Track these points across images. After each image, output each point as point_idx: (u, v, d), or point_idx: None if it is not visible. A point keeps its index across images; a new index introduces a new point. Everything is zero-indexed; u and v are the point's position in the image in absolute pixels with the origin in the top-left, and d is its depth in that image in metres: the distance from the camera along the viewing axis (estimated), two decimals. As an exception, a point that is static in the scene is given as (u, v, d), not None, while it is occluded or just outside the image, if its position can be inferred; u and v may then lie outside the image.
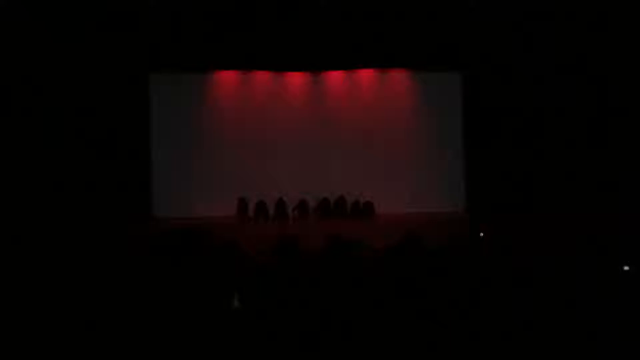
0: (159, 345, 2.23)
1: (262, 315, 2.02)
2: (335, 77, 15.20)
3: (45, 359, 1.93)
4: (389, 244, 3.58)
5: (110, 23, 12.50)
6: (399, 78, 15.34)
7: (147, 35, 13.29)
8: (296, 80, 15.16)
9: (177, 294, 2.60)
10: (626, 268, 3.50)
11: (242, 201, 13.84)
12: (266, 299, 1.78)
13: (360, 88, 15.27)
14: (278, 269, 1.77)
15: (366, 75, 15.24)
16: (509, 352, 2.33)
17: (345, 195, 14.37)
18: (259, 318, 2.01)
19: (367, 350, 2.12)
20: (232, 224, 12.92)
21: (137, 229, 11.81)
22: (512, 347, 2.37)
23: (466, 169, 14.92)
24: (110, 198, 12.82)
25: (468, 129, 14.82)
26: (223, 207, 14.36)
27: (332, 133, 15.07)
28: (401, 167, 15.16)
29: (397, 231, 9.90)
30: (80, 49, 12.35)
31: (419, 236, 3.82)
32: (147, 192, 14.15)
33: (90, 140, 12.75)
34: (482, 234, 6.38)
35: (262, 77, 15.09)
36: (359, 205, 14.27)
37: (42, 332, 2.10)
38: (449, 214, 14.37)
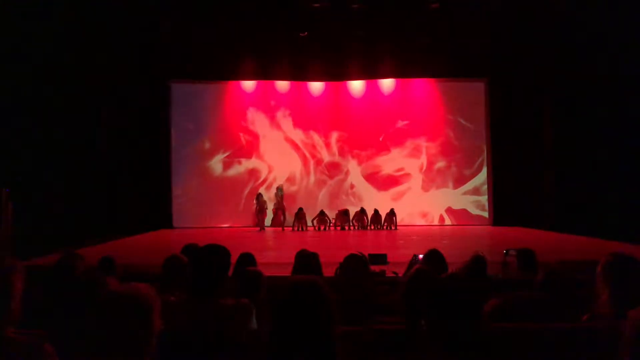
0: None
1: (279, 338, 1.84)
2: (357, 87, 15.08)
3: None
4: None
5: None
6: (423, 87, 15.17)
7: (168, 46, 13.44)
8: (315, 89, 15.07)
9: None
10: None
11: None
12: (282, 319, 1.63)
13: (382, 98, 15.11)
14: (297, 287, 1.64)
15: (389, 85, 15.08)
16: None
17: (365, 207, 14.17)
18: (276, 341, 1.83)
19: None
20: (249, 234, 12.85)
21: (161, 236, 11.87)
22: None
23: (491, 180, 14.58)
24: (138, 212, 13.04)
25: (493, 138, 14.52)
26: (239, 217, 14.44)
27: (352, 142, 14.93)
28: (424, 177, 14.93)
29: (421, 244, 9.74)
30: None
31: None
32: (169, 206, 14.38)
33: (121, 157, 13.03)
34: (506, 251, 6.11)
35: (281, 87, 15.05)
36: (380, 216, 14.00)
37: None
38: (474, 227, 14.12)
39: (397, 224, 13.81)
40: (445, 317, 1.89)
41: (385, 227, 13.81)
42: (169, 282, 3.27)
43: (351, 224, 13.94)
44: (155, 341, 1.64)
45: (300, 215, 13.70)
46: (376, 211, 13.96)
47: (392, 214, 13.85)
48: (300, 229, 13.60)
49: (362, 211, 14.04)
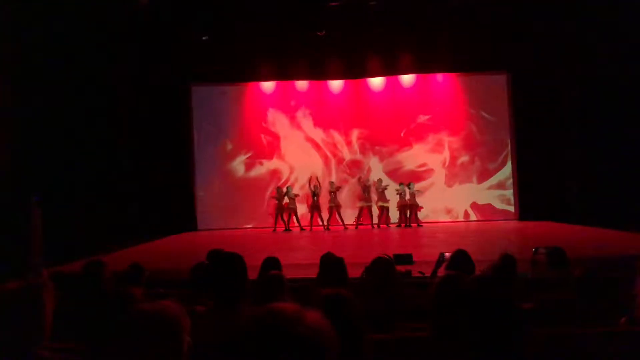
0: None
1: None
2: (376, 83, 14.93)
3: None
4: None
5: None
6: (443, 81, 14.95)
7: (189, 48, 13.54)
8: (335, 88, 14.98)
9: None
10: None
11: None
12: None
13: (402, 93, 14.93)
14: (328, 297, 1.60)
15: (409, 80, 14.89)
16: None
17: (386, 205, 14.03)
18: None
19: None
20: (273, 235, 12.88)
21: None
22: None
23: (516, 174, 14.30)
24: (163, 215, 13.19)
25: (517, 131, 14.23)
26: (261, 218, 14.48)
27: (373, 139, 14.81)
28: (447, 172, 14.73)
29: (446, 241, 9.61)
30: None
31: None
32: (193, 209, 14.45)
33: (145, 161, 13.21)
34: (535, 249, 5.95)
35: (300, 86, 15.00)
36: (405, 214, 13.83)
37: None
38: (500, 222, 13.85)
39: (420, 220, 13.66)
40: (478, 324, 1.82)
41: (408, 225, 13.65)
42: (197, 291, 3.26)
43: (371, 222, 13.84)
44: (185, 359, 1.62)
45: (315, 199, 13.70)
46: (404, 209, 13.78)
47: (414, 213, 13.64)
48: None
49: (384, 208, 13.92)
